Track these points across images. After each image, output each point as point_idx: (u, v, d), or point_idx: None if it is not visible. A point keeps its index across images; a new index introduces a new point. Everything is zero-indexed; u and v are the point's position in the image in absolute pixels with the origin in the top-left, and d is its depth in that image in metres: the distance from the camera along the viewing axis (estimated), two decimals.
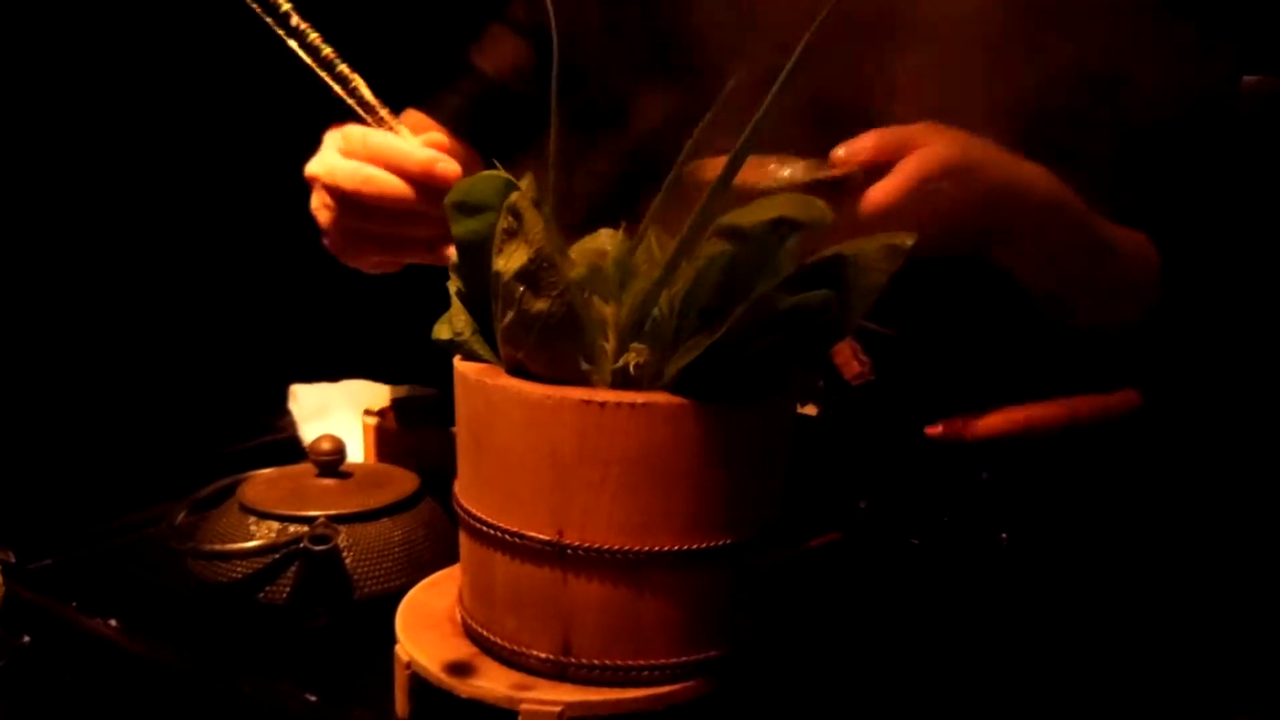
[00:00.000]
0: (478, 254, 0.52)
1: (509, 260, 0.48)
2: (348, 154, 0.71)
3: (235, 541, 0.66)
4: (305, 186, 0.77)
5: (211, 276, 1.25)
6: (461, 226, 0.52)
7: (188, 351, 1.23)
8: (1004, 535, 0.76)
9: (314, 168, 0.74)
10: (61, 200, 1.13)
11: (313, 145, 0.76)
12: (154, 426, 1.06)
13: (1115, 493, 0.79)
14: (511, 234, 0.49)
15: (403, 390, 0.99)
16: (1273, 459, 0.80)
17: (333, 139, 0.74)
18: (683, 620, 0.50)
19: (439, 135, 0.75)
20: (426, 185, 0.69)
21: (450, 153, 0.71)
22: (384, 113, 0.72)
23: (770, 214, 0.47)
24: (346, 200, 0.71)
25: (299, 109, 0.75)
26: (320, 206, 0.75)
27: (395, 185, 0.69)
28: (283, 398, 1.00)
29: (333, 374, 1.02)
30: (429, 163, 0.69)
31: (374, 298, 1.28)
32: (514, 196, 0.49)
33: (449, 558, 0.67)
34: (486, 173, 0.52)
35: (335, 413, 0.98)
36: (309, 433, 0.96)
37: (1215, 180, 0.79)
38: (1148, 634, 0.65)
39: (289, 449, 0.94)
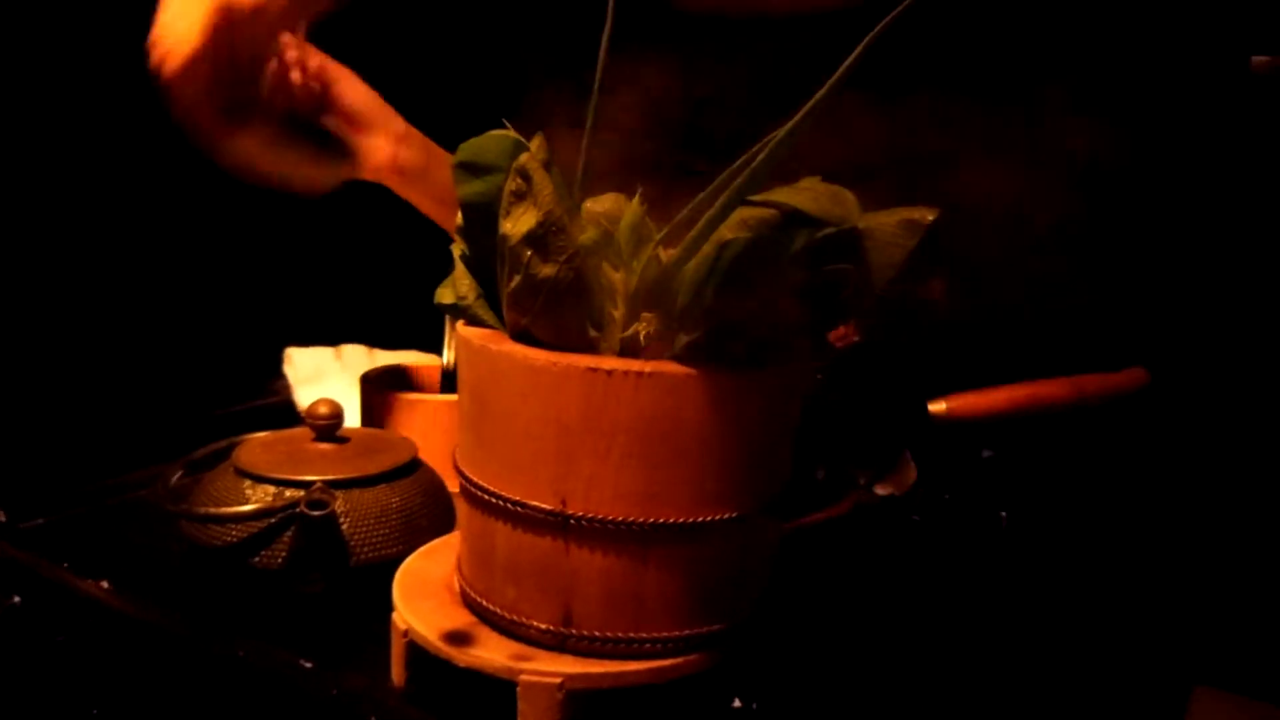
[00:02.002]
0: (483, 216, 0.51)
1: (517, 223, 0.47)
2: None
3: (230, 505, 0.65)
4: None
5: (209, 237, 1.23)
6: (467, 188, 0.51)
7: (184, 313, 1.22)
8: (1004, 514, 0.76)
9: None
10: (56, 163, 1.11)
11: None
12: (148, 387, 1.05)
13: (1117, 473, 0.79)
14: (520, 196, 0.47)
15: (400, 356, 0.98)
16: (1274, 443, 0.80)
17: None
18: (685, 593, 0.50)
19: None
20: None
21: None
22: None
23: (793, 203, 0.46)
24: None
25: None
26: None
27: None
28: (278, 361, 0.99)
29: (329, 338, 1.01)
30: None
31: (371, 261, 1.27)
32: (523, 157, 0.47)
33: (446, 526, 0.67)
34: (494, 132, 0.50)
35: (331, 377, 0.97)
36: (304, 397, 0.95)
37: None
38: (1141, 615, 0.65)
39: (283, 412, 0.93)
